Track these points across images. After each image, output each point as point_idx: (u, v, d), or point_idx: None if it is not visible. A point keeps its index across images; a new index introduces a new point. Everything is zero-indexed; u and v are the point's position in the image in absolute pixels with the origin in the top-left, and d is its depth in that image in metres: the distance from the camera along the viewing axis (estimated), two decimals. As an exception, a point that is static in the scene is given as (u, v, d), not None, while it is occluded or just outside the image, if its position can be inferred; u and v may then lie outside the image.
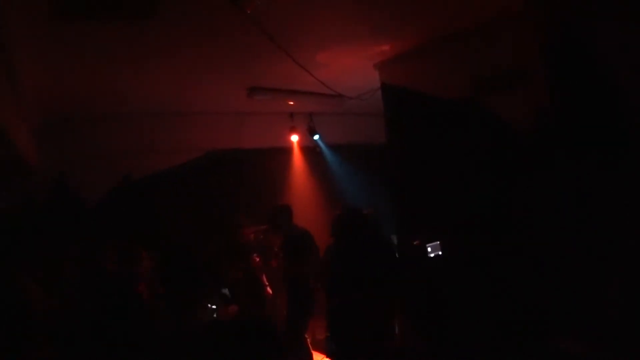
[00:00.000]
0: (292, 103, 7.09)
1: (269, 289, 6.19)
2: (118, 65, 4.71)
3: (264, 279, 6.23)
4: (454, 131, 4.82)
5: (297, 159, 8.16)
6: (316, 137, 7.72)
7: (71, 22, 3.49)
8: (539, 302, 3.88)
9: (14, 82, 4.02)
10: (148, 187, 6.70)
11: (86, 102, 5.80)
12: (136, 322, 3.14)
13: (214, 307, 5.72)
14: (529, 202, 4.11)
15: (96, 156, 6.26)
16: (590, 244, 3.65)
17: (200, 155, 7.23)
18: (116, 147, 6.47)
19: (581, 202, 3.73)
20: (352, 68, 5.59)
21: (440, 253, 5.00)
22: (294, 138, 7.80)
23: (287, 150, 8.03)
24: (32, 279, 2.73)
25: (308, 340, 5.67)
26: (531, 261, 4.02)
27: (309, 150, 8.15)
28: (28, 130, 5.04)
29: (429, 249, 5.03)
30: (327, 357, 5.45)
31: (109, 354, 2.73)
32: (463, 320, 4.38)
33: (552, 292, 3.82)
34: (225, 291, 6.39)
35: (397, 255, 5.14)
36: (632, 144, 3.51)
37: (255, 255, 6.19)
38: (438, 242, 5.03)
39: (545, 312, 3.82)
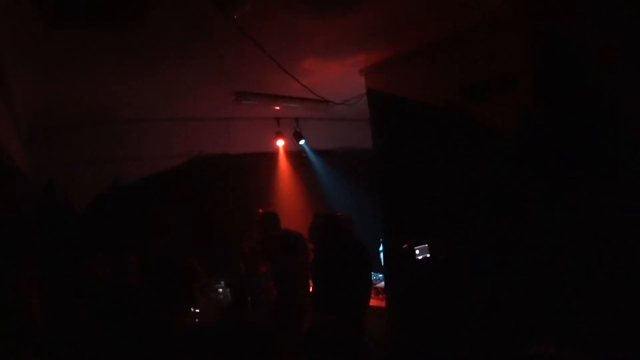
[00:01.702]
0: (278, 108, 7.13)
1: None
2: (107, 73, 4.70)
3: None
4: (440, 136, 4.85)
5: (284, 163, 8.19)
6: (302, 142, 7.76)
7: (60, 31, 3.48)
8: (523, 307, 3.92)
9: (4, 89, 4.00)
10: (136, 193, 6.68)
11: (75, 109, 5.79)
12: (129, 326, 3.13)
13: (197, 310, 5.74)
14: (515, 207, 4.15)
15: (85, 163, 6.24)
16: (577, 248, 3.68)
17: (188, 160, 7.23)
18: (105, 153, 6.46)
19: (569, 206, 3.77)
20: (338, 74, 5.63)
21: (428, 255, 5.03)
22: (280, 143, 7.84)
23: (273, 155, 8.06)
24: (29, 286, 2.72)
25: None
26: (516, 265, 4.06)
27: (295, 155, 8.18)
28: (18, 137, 5.01)
29: (417, 252, 5.06)
30: None
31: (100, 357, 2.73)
32: (450, 324, 4.41)
33: (537, 296, 3.86)
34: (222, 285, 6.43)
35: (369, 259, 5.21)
36: (621, 148, 3.54)
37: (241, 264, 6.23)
38: (426, 245, 5.06)
39: (529, 317, 3.86)
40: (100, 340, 2.74)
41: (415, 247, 5.04)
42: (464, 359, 4.18)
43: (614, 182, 3.52)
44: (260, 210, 6.38)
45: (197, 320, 5.62)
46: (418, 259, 5.02)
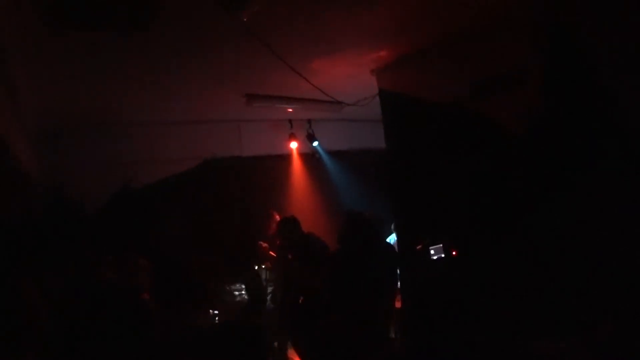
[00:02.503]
0: (290, 110, 7.12)
1: None
2: (115, 77, 4.74)
3: None
4: (451, 135, 4.82)
5: (297, 165, 8.16)
6: (315, 143, 7.74)
7: (68, 34, 3.51)
8: (527, 304, 3.88)
9: (13, 93, 4.04)
10: (147, 196, 6.71)
11: (84, 112, 5.83)
12: (140, 331, 3.14)
13: (216, 312, 5.74)
14: (526, 205, 4.11)
15: (95, 166, 6.28)
16: (584, 246, 3.63)
17: (199, 163, 7.24)
18: (115, 156, 6.49)
19: (577, 204, 3.73)
20: (349, 74, 5.60)
21: (443, 255, 4.99)
22: (293, 145, 7.82)
23: (286, 157, 8.04)
24: (33, 287, 2.74)
25: None
26: (522, 263, 4.02)
27: (308, 156, 8.16)
28: (27, 141, 5.06)
29: (432, 252, 5.02)
30: None
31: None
32: (458, 322, 4.37)
33: (540, 293, 3.82)
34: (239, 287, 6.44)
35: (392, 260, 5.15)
36: (628, 146, 3.50)
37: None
38: (441, 245, 5.01)
39: (531, 314, 3.81)
40: (107, 343, 2.75)
41: (430, 247, 5.00)
42: (470, 356, 4.14)
43: (623, 180, 3.47)
44: (276, 215, 6.37)
45: (217, 320, 5.63)
46: (432, 259, 4.97)
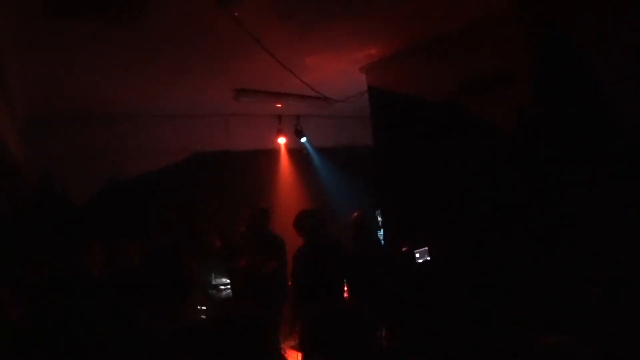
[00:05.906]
0: (279, 105, 7.12)
1: None
2: (105, 67, 4.71)
3: None
4: (440, 134, 4.84)
5: (285, 161, 8.17)
6: (303, 139, 7.75)
7: (59, 23, 3.48)
8: (527, 299, 3.92)
9: (1, 81, 4.00)
10: (135, 188, 6.68)
11: (73, 103, 5.80)
12: (124, 323, 3.13)
13: (203, 307, 5.72)
14: (516, 203, 4.15)
15: (83, 156, 6.23)
16: (577, 241, 3.68)
17: (187, 156, 7.22)
18: (103, 147, 6.45)
19: (568, 201, 3.77)
20: (339, 71, 5.62)
21: (428, 258, 5.02)
22: (282, 140, 7.82)
23: (274, 152, 8.05)
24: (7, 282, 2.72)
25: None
26: (519, 259, 4.05)
27: (296, 152, 8.18)
28: (15, 130, 5.02)
29: (417, 255, 5.05)
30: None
31: (94, 355, 2.73)
32: (451, 320, 4.40)
33: (540, 288, 3.85)
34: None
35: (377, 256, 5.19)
36: (618, 144, 3.53)
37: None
38: (426, 248, 5.04)
39: (533, 309, 3.85)
40: (94, 337, 2.75)
41: (416, 251, 5.02)
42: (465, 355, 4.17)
43: (612, 179, 3.52)
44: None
45: (202, 316, 5.61)
46: (419, 262, 4.99)
